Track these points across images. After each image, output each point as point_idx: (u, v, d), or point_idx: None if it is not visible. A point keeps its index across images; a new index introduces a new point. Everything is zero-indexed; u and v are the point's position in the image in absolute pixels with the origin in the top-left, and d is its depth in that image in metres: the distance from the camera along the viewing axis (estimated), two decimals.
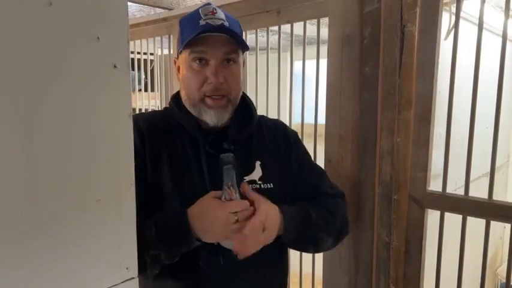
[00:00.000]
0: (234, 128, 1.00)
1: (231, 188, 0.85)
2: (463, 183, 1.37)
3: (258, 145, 1.03)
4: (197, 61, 0.94)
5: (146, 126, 0.98)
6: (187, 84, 0.97)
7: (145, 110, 2.43)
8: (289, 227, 0.93)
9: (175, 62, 1.04)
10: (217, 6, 0.96)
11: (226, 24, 0.93)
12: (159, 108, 2.40)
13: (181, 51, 0.98)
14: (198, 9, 0.95)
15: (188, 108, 1.00)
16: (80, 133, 0.67)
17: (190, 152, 0.97)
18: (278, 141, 1.08)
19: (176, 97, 1.04)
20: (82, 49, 0.67)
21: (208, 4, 0.96)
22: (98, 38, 0.69)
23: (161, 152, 0.95)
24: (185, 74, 0.97)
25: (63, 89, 0.65)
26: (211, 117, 0.96)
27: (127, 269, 0.77)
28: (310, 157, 1.17)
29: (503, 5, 1.93)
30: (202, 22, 0.91)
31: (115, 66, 0.71)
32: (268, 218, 0.89)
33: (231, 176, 0.86)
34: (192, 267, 0.93)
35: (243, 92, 1.06)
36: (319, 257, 1.55)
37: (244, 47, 0.99)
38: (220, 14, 0.94)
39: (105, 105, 0.70)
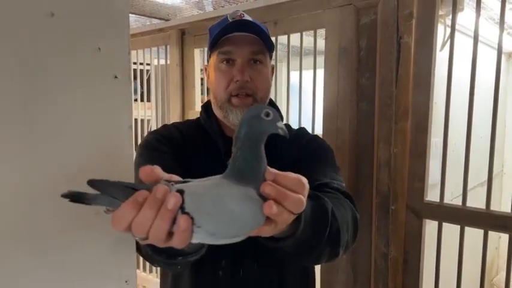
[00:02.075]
0: None
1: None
2: (458, 193, 1.37)
3: (274, 154, 0.99)
4: (224, 62, 0.94)
5: (180, 132, 0.99)
6: (214, 85, 0.97)
7: (141, 120, 2.42)
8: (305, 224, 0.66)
9: (205, 70, 1.05)
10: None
11: (253, 22, 0.94)
12: (156, 118, 2.39)
13: (210, 56, 0.99)
14: (226, 15, 0.96)
15: (215, 112, 0.99)
16: (80, 144, 0.67)
17: (210, 159, 0.95)
18: (293, 149, 0.99)
19: (206, 104, 1.05)
20: (83, 60, 0.67)
21: (237, 10, 0.97)
22: (99, 48, 0.69)
23: (187, 158, 0.94)
24: (213, 76, 0.97)
25: (63, 100, 0.64)
26: (236, 116, 0.93)
27: (126, 282, 0.76)
28: (325, 159, 1.00)
29: (495, 17, 1.96)
30: (231, 21, 0.93)
31: (116, 77, 0.71)
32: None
33: None
34: (211, 276, 0.92)
35: (271, 99, 1.04)
36: (317, 267, 1.54)
37: (271, 47, 0.98)
38: (248, 18, 0.96)
39: (106, 116, 0.70)
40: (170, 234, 0.47)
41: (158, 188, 0.46)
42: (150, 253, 0.64)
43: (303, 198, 0.51)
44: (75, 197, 0.47)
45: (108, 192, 0.48)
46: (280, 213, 0.48)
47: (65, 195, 0.46)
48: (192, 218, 0.46)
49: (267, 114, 0.50)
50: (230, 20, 0.93)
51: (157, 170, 0.49)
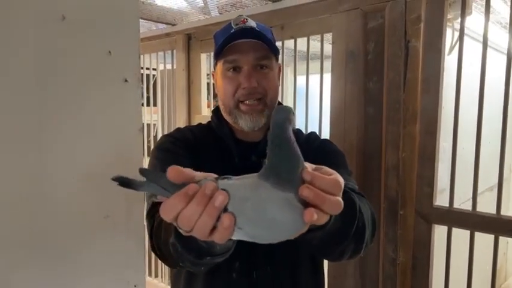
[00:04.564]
0: (265, 140, 0.98)
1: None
2: (467, 197, 1.36)
3: None
4: (231, 70, 0.95)
5: (193, 135, 1.00)
6: (222, 93, 0.98)
7: (147, 124, 2.42)
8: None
9: (213, 76, 1.06)
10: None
11: (257, 29, 0.94)
12: (162, 123, 2.40)
13: (216, 63, 1.00)
14: (230, 21, 0.97)
15: (225, 117, 1.01)
16: (90, 147, 0.67)
17: (223, 162, 0.96)
18: (305, 153, 1.00)
19: (217, 109, 1.06)
20: (94, 63, 0.67)
21: (240, 15, 0.98)
22: (110, 52, 0.69)
23: (200, 160, 0.94)
24: (220, 84, 0.99)
25: (74, 102, 0.64)
26: (246, 122, 0.95)
27: (135, 286, 0.75)
28: (338, 162, 0.99)
29: (502, 20, 1.96)
30: (234, 29, 0.94)
31: (126, 81, 0.71)
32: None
33: None
34: (225, 278, 0.91)
35: (279, 101, 1.04)
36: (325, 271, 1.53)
37: (276, 51, 0.99)
38: (251, 23, 0.96)
39: (115, 119, 0.70)
40: (213, 229, 0.48)
41: (207, 185, 0.48)
42: (180, 250, 0.63)
43: (341, 200, 0.50)
44: (124, 182, 0.48)
45: (157, 182, 0.49)
46: (319, 219, 0.48)
47: (114, 179, 0.48)
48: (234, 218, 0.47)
49: (293, 113, 0.52)
50: (234, 26, 0.94)
51: (188, 170, 0.49)
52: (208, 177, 0.50)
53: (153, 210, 0.79)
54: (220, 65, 0.97)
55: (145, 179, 0.49)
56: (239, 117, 0.95)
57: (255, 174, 0.51)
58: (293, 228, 0.48)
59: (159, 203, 0.53)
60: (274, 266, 0.93)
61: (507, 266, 2.67)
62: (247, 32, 0.93)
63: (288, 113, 0.51)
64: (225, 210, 0.47)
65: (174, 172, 0.48)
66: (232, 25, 0.95)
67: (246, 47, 0.94)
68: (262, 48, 0.95)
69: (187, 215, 0.48)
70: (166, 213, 0.49)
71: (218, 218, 0.47)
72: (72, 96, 0.66)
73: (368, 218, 0.78)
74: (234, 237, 0.49)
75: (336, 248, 0.74)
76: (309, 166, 0.51)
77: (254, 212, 0.47)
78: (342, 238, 0.71)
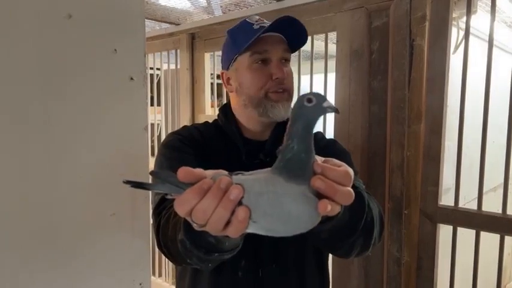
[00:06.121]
0: (272, 139, 0.99)
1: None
2: (472, 197, 1.35)
3: None
4: (259, 62, 0.95)
5: (200, 133, 1.01)
6: (248, 85, 0.97)
7: (151, 124, 2.42)
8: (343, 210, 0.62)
9: (222, 75, 1.05)
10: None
11: (293, 17, 0.95)
12: (165, 122, 2.40)
13: (236, 58, 0.98)
14: (244, 20, 0.98)
15: (243, 113, 0.99)
16: (96, 145, 0.67)
17: (230, 161, 0.96)
18: None
19: (224, 107, 1.05)
20: (99, 61, 0.67)
21: (253, 15, 0.99)
22: (115, 50, 0.69)
23: (207, 158, 0.95)
24: (245, 76, 0.97)
25: (80, 100, 0.64)
26: (279, 111, 0.94)
27: (140, 285, 0.75)
28: (344, 162, 1.01)
29: (507, 20, 1.94)
30: (256, 26, 0.94)
31: (132, 79, 0.71)
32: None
33: None
34: (231, 276, 0.92)
35: None
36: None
37: (303, 41, 1.00)
38: (266, 22, 0.97)
39: (121, 117, 0.70)
40: (227, 223, 0.49)
41: (222, 179, 0.48)
42: (189, 247, 0.64)
43: (352, 191, 0.51)
44: (136, 184, 0.48)
45: (170, 181, 0.49)
46: (332, 209, 0.49)
47: (126, 182, 0.48)
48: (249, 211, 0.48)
49: (309, 100, 0.50)
50: (253, 23, 0.94)
51: (199, 170, 0.50)
52: (220, 173, 0.51)
53: (160, 207, 0.79)
54: (245, 57, 0.96)
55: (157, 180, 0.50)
56: (271, 107, 0.94)
57: (268, 169, 0.51)
58: (308, 221, 0.49)
59: (167, 200, 0.53)
60: (280, 263, 0.93)
61: None
62: (291, 21, 0.93)
63: (300, 102, 0.50)
64: (240, 204, 0.48)
65: (184, 173, 0.49)
66: (251, 22, 0.95)
67: (273, 39, 0.95)
68: (284, 42, 0.96)
69: (202, 209, 0.48)
70: (180, 208, 0.49)
71: (233, 213, 0.48)
72: (77, 94, 0.66)
73: (376, 214, 0.79)
74: (249, 231, 0.49)
75: (345, 242, 0.75)
76: (318, 159, 0.52)
77: (270, 205, 0.47)
78: (351, 231, 0.72)
